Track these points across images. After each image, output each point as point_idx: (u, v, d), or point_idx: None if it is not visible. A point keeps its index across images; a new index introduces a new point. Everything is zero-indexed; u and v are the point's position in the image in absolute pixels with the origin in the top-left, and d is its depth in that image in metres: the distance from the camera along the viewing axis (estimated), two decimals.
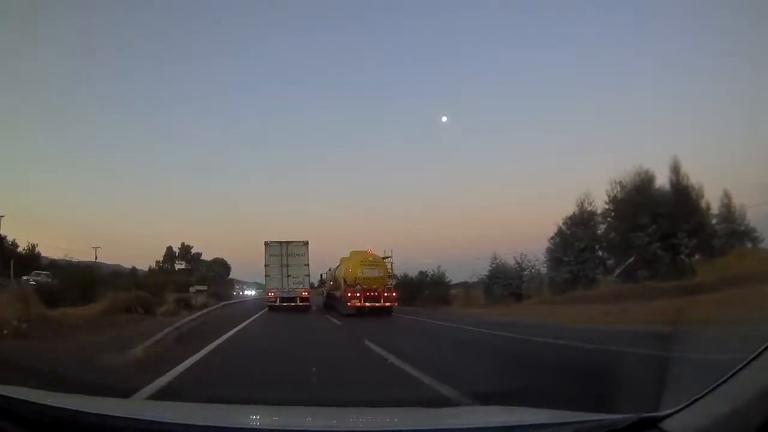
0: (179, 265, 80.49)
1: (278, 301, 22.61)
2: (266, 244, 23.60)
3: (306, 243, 23.83)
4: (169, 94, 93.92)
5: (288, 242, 23.61)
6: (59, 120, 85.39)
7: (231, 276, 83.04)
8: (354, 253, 22.06)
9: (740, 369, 1.35)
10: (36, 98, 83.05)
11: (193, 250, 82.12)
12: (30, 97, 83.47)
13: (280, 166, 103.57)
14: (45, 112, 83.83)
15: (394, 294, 20.94)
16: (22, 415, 1.61)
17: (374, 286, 20.14)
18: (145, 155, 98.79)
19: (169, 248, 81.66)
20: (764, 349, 1.30)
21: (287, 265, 23.04)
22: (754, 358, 1.33)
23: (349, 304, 19.29)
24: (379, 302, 19.64)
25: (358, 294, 19.49)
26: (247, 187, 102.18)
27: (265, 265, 23.29)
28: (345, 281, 21.17)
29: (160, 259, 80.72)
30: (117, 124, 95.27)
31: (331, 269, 27.10)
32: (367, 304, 19.34)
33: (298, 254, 23.45)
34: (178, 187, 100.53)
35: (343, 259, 23.57)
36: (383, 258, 22.50)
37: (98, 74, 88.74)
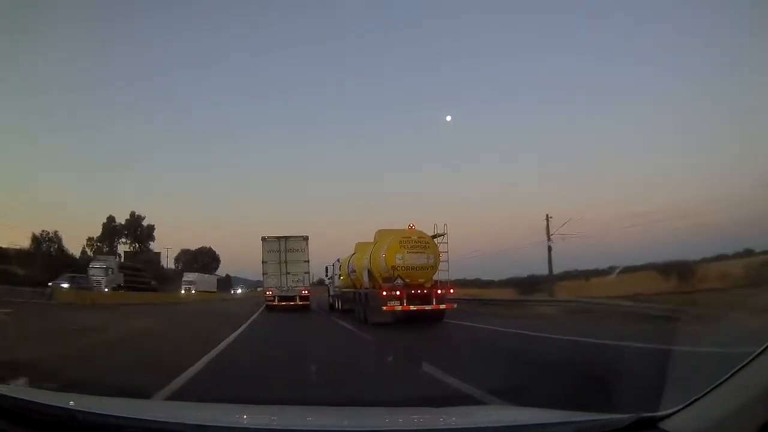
0: (125, 246, 56.19)
1: (276, 300, 21.44)
2: (263, 239, 22.24)
3: (306, 238, 22.41)
4: (167, 90, 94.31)
5: (287, 237, 22.22)
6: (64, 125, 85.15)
7: (220, 270, 73.24)
8: (385, 233, 15.24)
9: (740, 369, 1.34)
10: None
11: (154, 226, 57.44)
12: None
13: (280, 162, 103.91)
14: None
15: (452, 290, 14.24)
16: (21, 414, 1.61)
17: (421, 280, 13.54)
18: (143, 149, 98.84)
19: (110, 219, 55.06)
20: (764, 349, 1.30)
21: (286, 262, 21.76)
22: (754, 358, 1.32)
23: (384, 307, 12.90)
24: (430, 303, 13.26)
25: (398, 292, 13.00)
26: (247, 184, 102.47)
27: (263, 262, 21.99)
28: (371, 273, 14.87)
29: (96, 234, 54.62)
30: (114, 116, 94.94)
31: (340, 260, 21.11)
32: (412, 307, 13.06)
33: (298, 250, 22.06)
34: (177, 181, 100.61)
35: (360, 245, 17.62)
36: (433, 237, 14.59)
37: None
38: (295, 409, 2.65)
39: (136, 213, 57.40)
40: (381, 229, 15.93)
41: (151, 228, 58.19)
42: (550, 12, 73.29)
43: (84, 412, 1.68)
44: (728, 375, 1.37)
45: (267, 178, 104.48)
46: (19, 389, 1.93)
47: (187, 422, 1.82)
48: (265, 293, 22.44)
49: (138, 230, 56.86)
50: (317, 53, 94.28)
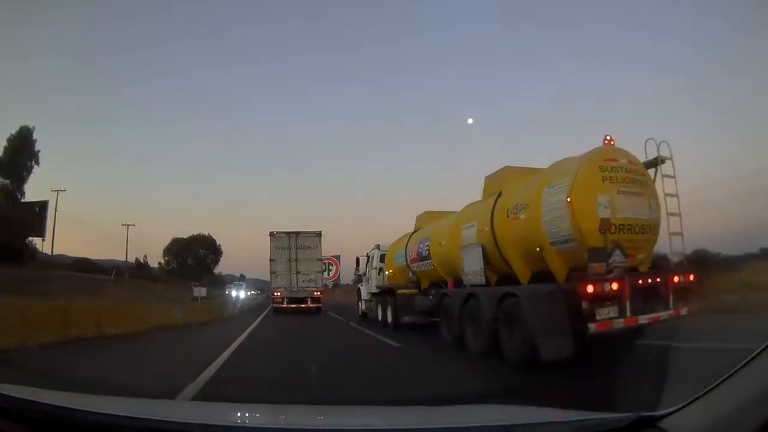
0: None
1: (285, 302, 19.58)
2: (272, 234, 20.26)
3: (318, 234, 20.50)
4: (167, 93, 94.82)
5: (297, 233, 20.28)
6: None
7: (233, 269, 65.48)
8: (520, 173, 7.80)
9: (740, 368, 1.33)
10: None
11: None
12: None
13: (289, 160, 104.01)
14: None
15: (691, 277, 6.20)
16: (21, 414, 1.61)
17: (641, 256, 6.25)
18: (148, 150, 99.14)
19: None
20: (765, 348, 1.28)
21: (296, 260, 19.92)
22: (754, 357, 1.31)
23: (593, 325, 5.18)
24: (666, 307, 5.94)
25: (614, 285, 5.35)
26: (271, 185, 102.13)
27: (270, 260, 20.02)
28: (491, 255, 7.51)
29: None
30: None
31: (381, 248, 14.65)
32: (641, 318, 5.61)
33: (310, 247, 20.18)
34: (193, 182, 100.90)
35: (429, 214, 11.90)
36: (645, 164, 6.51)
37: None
38: (301, 408, 2.64)
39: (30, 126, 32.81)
40: (507, 166, 8.24)
41: (27, 148, 30.46)
42: None
43: (86, 411, 1.68)
44: (728, 374, 1.35)
45: (295, 180, 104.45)
46: (19, 388, 1.94)
47: (189, 421, 1.80)
48: (273, 294, 20.54)
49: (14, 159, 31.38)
50: (339, 51, 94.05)
